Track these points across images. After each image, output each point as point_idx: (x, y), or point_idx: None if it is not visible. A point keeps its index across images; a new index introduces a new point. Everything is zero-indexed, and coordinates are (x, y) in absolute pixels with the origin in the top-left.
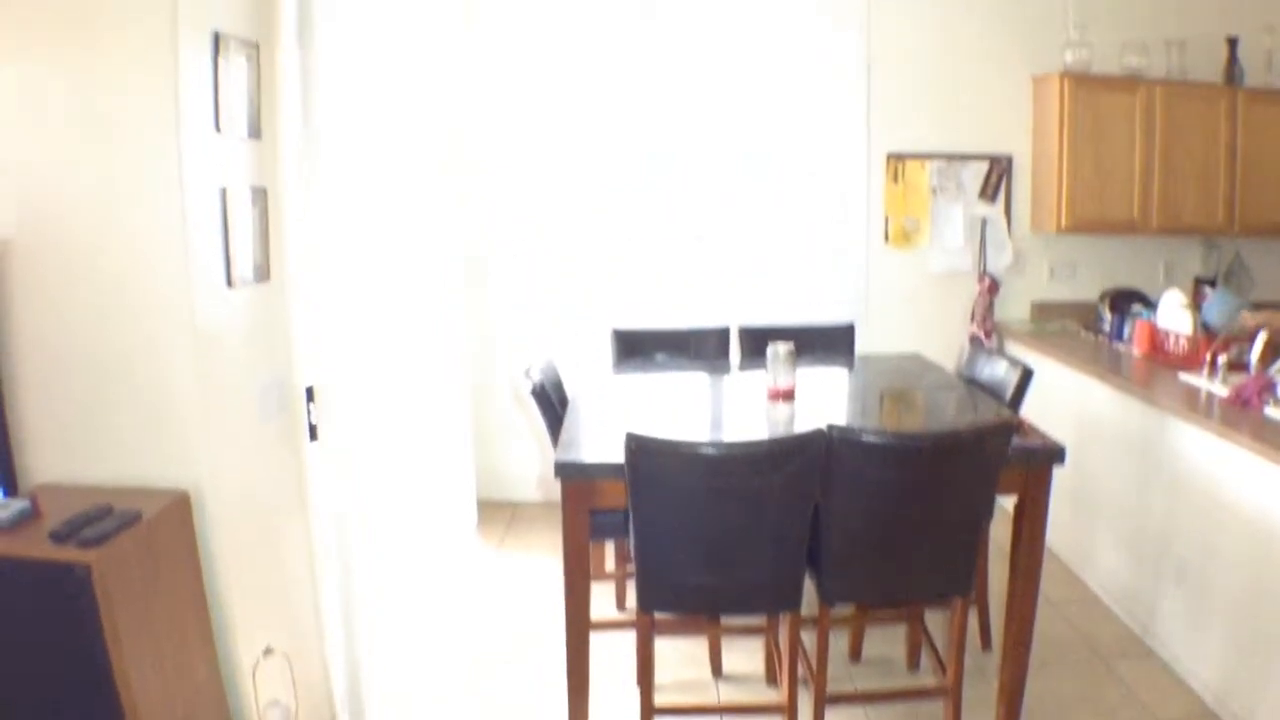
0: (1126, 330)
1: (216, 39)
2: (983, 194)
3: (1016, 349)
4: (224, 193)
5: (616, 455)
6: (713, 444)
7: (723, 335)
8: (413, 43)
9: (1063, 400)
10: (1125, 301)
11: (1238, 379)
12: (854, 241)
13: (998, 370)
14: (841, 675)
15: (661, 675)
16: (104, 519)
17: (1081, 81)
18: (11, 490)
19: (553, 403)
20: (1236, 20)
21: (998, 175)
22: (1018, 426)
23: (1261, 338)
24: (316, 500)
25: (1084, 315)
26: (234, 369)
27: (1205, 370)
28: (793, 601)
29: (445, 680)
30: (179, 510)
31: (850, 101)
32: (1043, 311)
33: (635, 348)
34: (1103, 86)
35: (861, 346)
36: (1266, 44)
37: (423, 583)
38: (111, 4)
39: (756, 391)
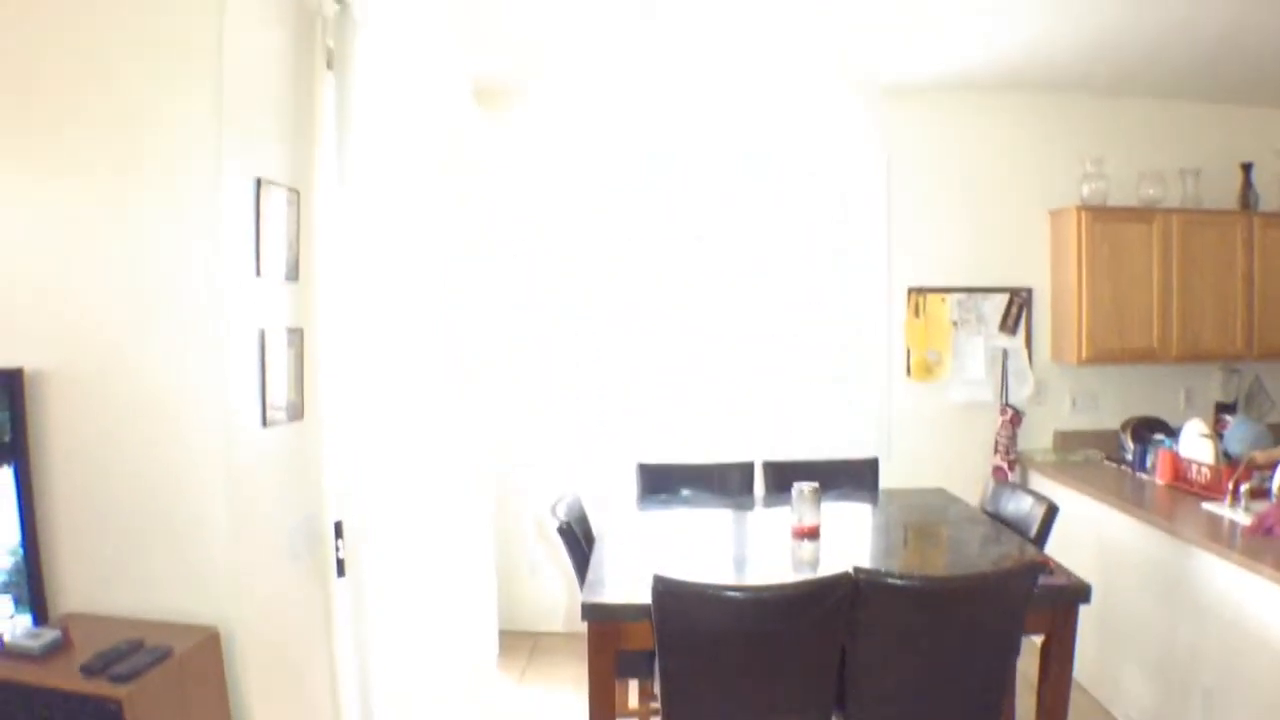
0: (1149, 459)
1: (258, 184)
2: (1003, 326)
3: (1040, 480)
4: (262, 334)
5: (642, 595)
6: (740, 588)
7: (746, 470)
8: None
9: (1087, 530)
10: (1147, 430)
11: (1260, 506)
12: (876, 375)
13: (1022, 505)
14: None
15: None
16: (135, 653)
17: (1098, 214)
18: (42, 618)
19: (579, 540)
20: (1250, 145)
21: (1018, 307)
22: (1044, 566)
23: None
24: (341, 635)
25: (1107, 444)
26: (265, 506)
27: (1228, 499)
28: None
29: None
30: (209, 647)
31: (871, 237)
32: (1066, 441)
33: (660, 482)
34: (1119, 217)
35: (885, 478)
36: (1278, 168)
37: (444, 717)
38: (159, 148)
39: (781, 528)
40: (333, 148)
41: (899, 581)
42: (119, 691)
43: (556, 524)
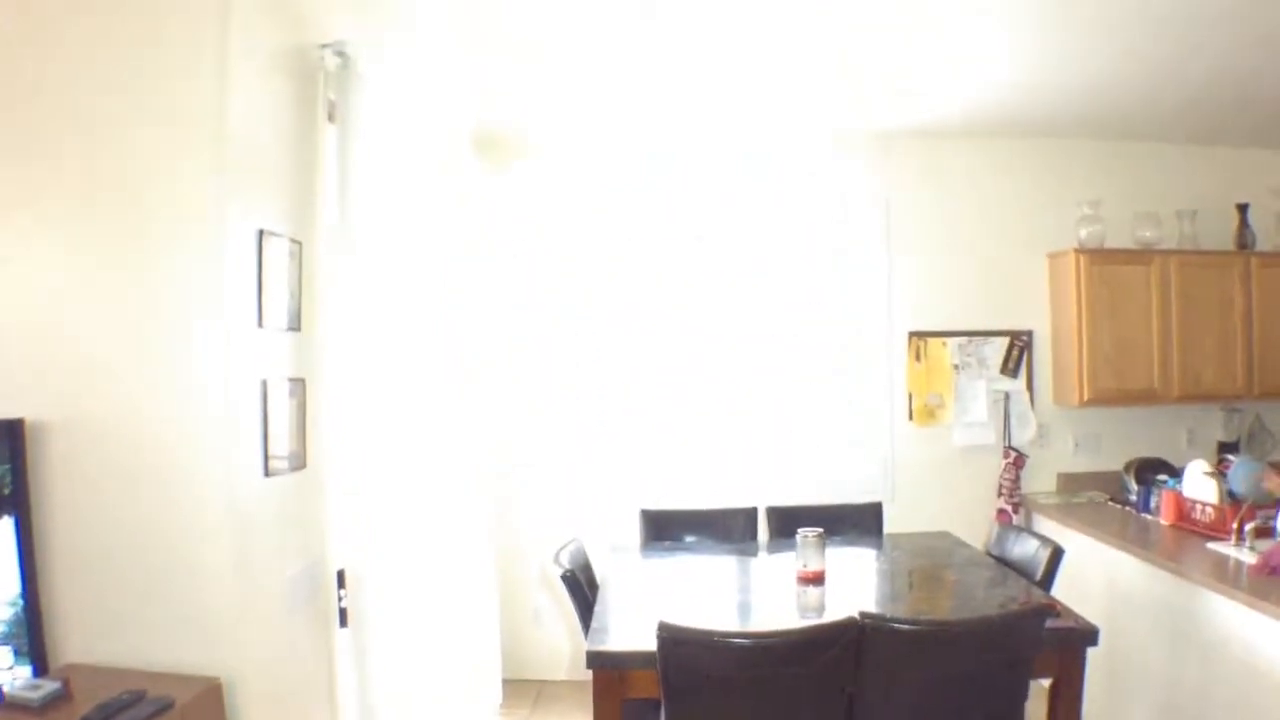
0: (1153, 500)
1: (261, 236)
2: (1005, 369)
3: (1044, 522)
4: (264, 385)
5: (648, 643)
6: (746, 634)
7: (750, 515)
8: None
9: (1092, 572)
10: (1150, 471)
11: (1266, 545)
12: (878, 420)
13: (1028, 548)
14: None
15: None
16: (137, 704)
17: (1096, 256)
18: (42, 669)
19: (582, 588)
20: (1245, 185)
21: (1019, 350)
22: (1051, 609)
23: None
24: (344, 685)
25: (1110, 486)
26: (268, 556)
27: (1233, 538)
28: None
29: None
30: (211, 697)
31: (871, 284)
32: (1069, 483)
33: (663, 528)
34: (1117, 259)
35: (889, 521)
36: (1275, 207)
37: None
38: (162, 201)
39: (786, 574)
40: (335, 198)
41: (905, 626)
42: None
43: (560, 571)
